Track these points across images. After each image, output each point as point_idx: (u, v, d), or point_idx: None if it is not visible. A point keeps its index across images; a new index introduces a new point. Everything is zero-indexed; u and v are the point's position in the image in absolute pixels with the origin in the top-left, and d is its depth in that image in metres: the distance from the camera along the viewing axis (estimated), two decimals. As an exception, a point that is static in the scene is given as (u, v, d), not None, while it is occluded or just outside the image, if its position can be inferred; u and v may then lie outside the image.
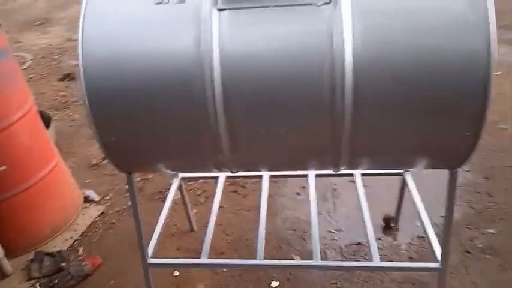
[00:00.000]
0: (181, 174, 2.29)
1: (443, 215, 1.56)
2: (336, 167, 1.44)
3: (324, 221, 2.52)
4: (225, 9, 1.25)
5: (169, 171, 1.76)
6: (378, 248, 2.31)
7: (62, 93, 4.22)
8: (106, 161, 3.21)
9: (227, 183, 2.89)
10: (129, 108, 1.32)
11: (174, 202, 2.72)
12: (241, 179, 2.86)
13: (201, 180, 2.90)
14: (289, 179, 2.84)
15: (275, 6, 1.24)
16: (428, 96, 1.22)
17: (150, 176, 3.02)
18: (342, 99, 1.22)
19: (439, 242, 1.71)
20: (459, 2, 1.17)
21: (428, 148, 1.36)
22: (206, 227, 2.51)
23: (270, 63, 1.23)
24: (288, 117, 1.29)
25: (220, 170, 1.50)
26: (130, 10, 1.30)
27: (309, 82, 1.23)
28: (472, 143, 1.29)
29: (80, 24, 1.29)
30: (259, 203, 2.61)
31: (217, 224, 2.53)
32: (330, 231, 2.45)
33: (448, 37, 1.17)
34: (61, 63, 4.95)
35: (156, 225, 1.99)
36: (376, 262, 1.68)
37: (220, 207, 2.68)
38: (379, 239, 2.37)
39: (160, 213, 2.05)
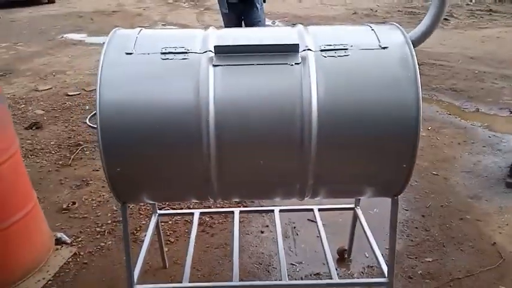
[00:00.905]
0: (159, 211, 2.50)
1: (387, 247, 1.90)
2: (302, 195, 1.77)
3: (286, 255, 2.79)
4: (219, 65, 1.59)
5: (161, 201, 2.00)
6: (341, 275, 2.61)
7: (29, 141, 4.33)
8: (76, 204, 3.36)
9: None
10: (135, 144, 1.58)
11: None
12: (209, 219, 3.10)
13: (170, 222, 3.12)
14: (253, 219, 3.12)
15: (258, 64, 1.60)
16: (371, 138, 1.59)
17: (120, 218, 3.18)
18: (309, 136, 1.56)
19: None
20: (395, 68, 1.59)
21: (374, 178, 1.72)
22: (178, 264, 2.73)
23: (253, 108, 1.57)
24: (267, 151, 1.62)
25: (206, 199, 1.78)
26: (141, 65, 1.60)
27: (283, 123, 1.57)
28: (408, 173, 1.66)
29: (99, 75, 1.57)
30: (227, 241, 2.87)
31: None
32: (292, 264, 2.72)
33: (385, 94, 1.57)
34: (26, 113, 5.07)
35: (136, 259, 2.15)
36: (336, 280, 1.98)
37: (190, 245, 2.91)
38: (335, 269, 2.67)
39: (141, 248, 2.23)
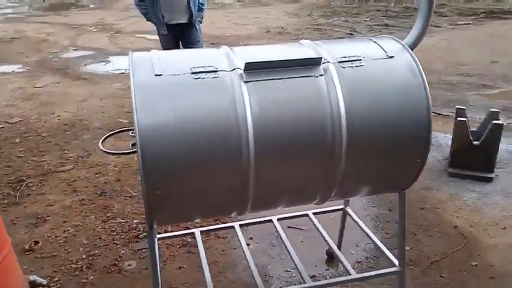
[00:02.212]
0: (158, 236, 2.45)
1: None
2: (324, 199, 1.88)
3: (279, 263, 2.87)
4: (250, 81, 1.66)
5: (193, 220, 1.97)
6: (335, 274, 2.75)
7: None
8: (39, 244, 3.11)
9: (178, 245, 3.09)
10: (176, 166, 1.58)
11: (131, 272, 2.81)
12: (191, 239, 3.06)
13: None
14: (235, 233, 3.14)
15: (286, 78, 1.69)
16: (392, 138, 1.76)
17: (96, 251, 3.02)
18: (339, 142, 1.69)
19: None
20: (404, 75, 1.78)
21: (390, 175, 1.90)
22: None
23: (287, 119, 1.66)
24: (300, 159, 1.71)
25: (239, 212, 1.81)
26: (174, 85, 1.61)
27: (315, 131, 1.68)
28: (420, 167, 1.86)
29: (133, 99, 1.54)
30: (216, 258, 2.87)
31: (183, 284, 2.71)
32: (286, 271, 2.80)
33: (401, 98, 1.75)
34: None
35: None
36: (354, 275, 2.11)
37: (180, 268, 2.85)
38: (328, 269, 2.81)
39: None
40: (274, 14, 13.03)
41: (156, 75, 1.62)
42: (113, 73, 7.58)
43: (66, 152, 4.52)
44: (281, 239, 3.08)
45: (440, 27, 10.26)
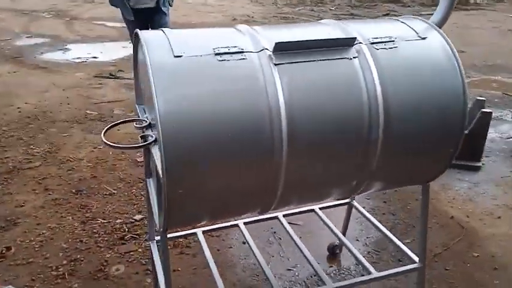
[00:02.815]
0: (157, 238, 2.22)
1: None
2: (354, 192, 1.74)
3: (279, 261, 2.71)
4: (281, 64, 1.47)
5: (215, 220, 1.77)
6: (342, 270, 2.62)
7: None
8: (12, 250, 2.79)
9: (169, 246, 2.85)
10: (202, 159, 1.38)
11: (120, 277, 2.56)
12: (182, 240, 2.84)
13: (140, 249, 2.78)
14: (230, 231, 2.95)
15: (318, 60, 1.52)
16: (428, 124, 1.63)
17: (78, 255, 2.74)
18: (376, 129, 1.54)
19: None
20: (438, 56, 1.65)
21: (420, 166, 1.77)
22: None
23: (322, 105, 1.49)
24: (336, 147, 1.54)
25: (264, 210, 1.63)
26: (197, 68, 1.40)
27: (351, 116, 1.53)
28: (451, 157, 1.74)
29: (152, 83, 1.32)
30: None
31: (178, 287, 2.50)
32: (288, 269, 2.65)
33: (437, 81, 1.62)
34: None
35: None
36: (375, 274, 1.98)
37: (174, 270, 2.63)
38: (331, 266, 2.68)
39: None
40: (239, 2, 12.72)
41: (176, 56, 1.40)
42: (74, 61, 7.09)
43: (31, 147, 4.13)
44: (278, 236, 2.95)
45: (404, 18, 10.38)
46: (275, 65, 1.46)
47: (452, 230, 3.01)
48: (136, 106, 1.88)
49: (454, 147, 1.71)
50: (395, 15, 10.40)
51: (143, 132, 1.60)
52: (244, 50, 1.47)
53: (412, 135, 1.62)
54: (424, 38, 1.68)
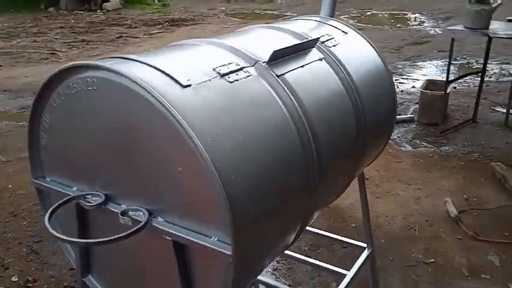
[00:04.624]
0: None
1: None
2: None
3: None
4: (282, 74, 1.29)
5: None
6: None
7: None
8: None
9: None
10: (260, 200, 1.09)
11: None
12: None
13: None
14: None
15: (306, 64, 1.41)
16: (381, 102, 1.73)
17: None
18: (364, 117, 1.55)
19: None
20: (364, 46, 1.76)
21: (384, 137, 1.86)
22: None
23: (326, 111, 1.41)
24: (344, 143, 1.48)
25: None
26: (216, 96, 1.09)
27: (344, 114, 1.49)
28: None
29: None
30: None
31: None
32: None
33: (372, 66, 1.74)
34: None
35: None
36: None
37: None
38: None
39: None
40: None
41: (185, 86, 1.05)
42: None
43: None
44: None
45: (138, 37, 10.45)
46: (277, 76, 1.27)
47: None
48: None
49: (394, 115, 1.87)
50: (127, 38, 10.33)
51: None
52: (242, 66, 1.22)
53: (378, 115, 1.69)
54: (346, 33, 1.76)
